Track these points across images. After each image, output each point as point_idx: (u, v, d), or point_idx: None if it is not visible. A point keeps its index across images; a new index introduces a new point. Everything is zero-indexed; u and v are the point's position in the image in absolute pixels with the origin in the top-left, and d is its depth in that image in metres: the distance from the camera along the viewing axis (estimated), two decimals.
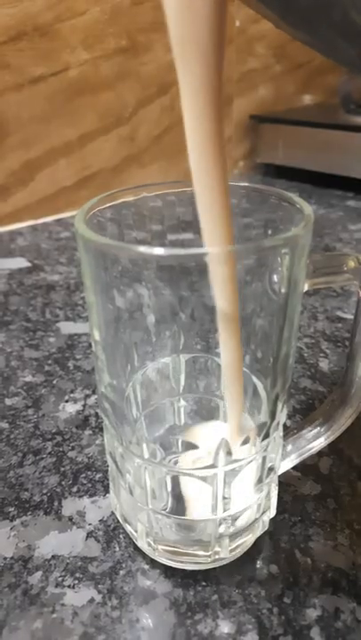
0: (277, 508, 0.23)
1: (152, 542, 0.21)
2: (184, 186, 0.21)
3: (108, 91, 0.65)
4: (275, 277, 0.18)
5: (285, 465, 0.23)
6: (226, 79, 0.78)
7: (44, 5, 0.57)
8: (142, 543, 0.21)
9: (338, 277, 0.19)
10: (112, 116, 0.67)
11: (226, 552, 0.21)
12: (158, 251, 0.15)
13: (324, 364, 0.35)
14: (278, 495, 0.24)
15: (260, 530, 0.22)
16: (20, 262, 0.53)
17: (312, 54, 0.92)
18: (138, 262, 0.17)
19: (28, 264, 0.52)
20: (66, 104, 0.62)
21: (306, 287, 0.19)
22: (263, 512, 0.22)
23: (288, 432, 0.23)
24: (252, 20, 0.77)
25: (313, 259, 0.19)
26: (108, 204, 0.20)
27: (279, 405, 0.20)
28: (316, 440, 0.23)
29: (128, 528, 0.22)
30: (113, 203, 0.20)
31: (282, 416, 0.20)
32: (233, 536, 0.21)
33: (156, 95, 0.70)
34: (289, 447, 0.23)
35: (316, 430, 0.23)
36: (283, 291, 0.18)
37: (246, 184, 0.21)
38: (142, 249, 0.15)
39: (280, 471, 0.23)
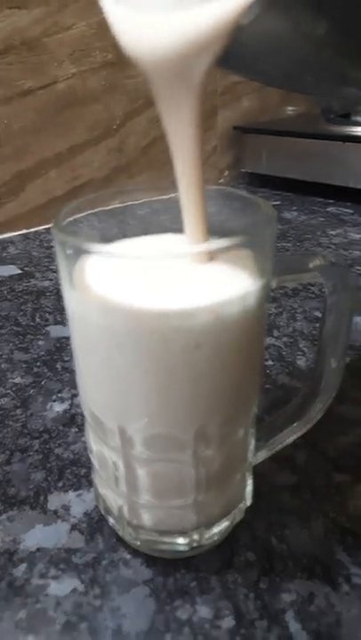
0: (254, 499, 0.24)
1: (133, 532, 0.21)
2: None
3: (95, 103, 0.66)
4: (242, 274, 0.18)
5: (260, 456, 0.23)
6: (210, 92, 0.78)
7: (31, 20, 0.57)
8: (124, 533, 0.22)
9: (305, 275, 0.20)
10: (100, 128, 0.67)
11: (203, 539, 0.21)
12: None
13: (301, 362, 0.35)
14: (255, 486, 0.24)
15: (236, 517, 0.22)
16: (12, 269, 0.53)
17: None
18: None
19: (19, 271, 0.53)
20: (55, 116, 0.63)
21: (274, 284, 0.19)
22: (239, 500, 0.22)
23: (262, 425, 0.23)
24: None
25: (281, 257, 0.19)
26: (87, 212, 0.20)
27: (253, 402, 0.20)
28: (289, 432, 0.23)
29: (110, 520, 0.23)
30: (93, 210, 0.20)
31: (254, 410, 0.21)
32: (209, 524, 0.21)
33: (143, 107, 0.71)
34: (263, 439, 0.23)
35: (288, 422, 0.23)
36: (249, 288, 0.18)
37: (217, 187, 0.21)
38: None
39: (255, 462, 0.23)
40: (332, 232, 0.60)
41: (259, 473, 0.25)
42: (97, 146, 0.68)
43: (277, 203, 0.71)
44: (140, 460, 0.19)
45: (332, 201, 0.72)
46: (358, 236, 0.59)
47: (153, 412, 0.18)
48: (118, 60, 0.66)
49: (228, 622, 0.19)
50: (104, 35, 0.63)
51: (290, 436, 0.23)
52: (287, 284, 0.20)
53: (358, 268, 0.51)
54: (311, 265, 0.19)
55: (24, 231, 0.64)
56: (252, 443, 0.22)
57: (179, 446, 0.19)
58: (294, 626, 0.19)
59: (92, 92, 0.65)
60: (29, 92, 0.59)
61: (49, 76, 0.60)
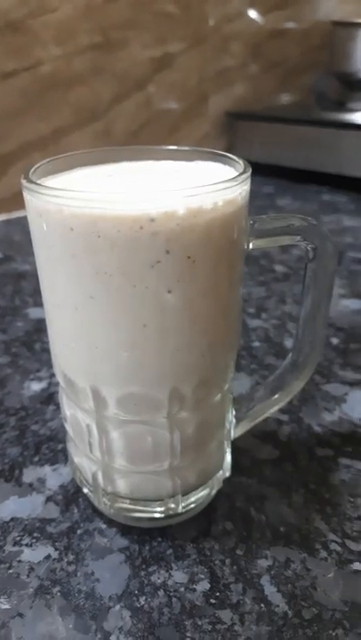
0: (234, 471, 0.24)
1: (108, 501, 0.22)
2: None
3: (82, 86, 0.67)
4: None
5: (241, 427, 0.24)
6: (201, 76, 0.80)
7: (15, 2, 0.58)
8: (99, 503, 0.22)
9: (284, 237, 0.21)
10: (87, 111, 0.68)
11: (180, 507, 0.22)
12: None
13: (288, 343, 0.36)
14: (236, 460, 0.25)
15: (214, 487, 0.23)
16: None
17: (287, 54, 0.94)
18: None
19: (0, 255, 0.53)
20: (39, 99, 0.63)
21: (251, 246, 0.20)
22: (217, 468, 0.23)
23: (243, 396, 0.24)
24: (226, 19, 0.79)
25: (258, 218, 0.20)
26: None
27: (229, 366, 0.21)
28: (270, 403, 0.24)
29: (86, 490, 0.23)
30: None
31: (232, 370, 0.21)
32: (185, 491, 0.22)
33: (132, 91, 0.72)
34: (243, 410, 0.24)
35: (270, 393, 0.24)
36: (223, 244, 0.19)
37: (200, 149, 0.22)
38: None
39: (234, 435, 0.24)
40: (327, 219, 0.61)
41: (241, 447, 0.26)
42: (83, 129, 0.69)
43: (270, 191, 0.72)
44: (113, 421, 0.20)
45: (326, 188, 0.73)
46: (352, 223, 0.60)
47: (124, 369, 0.18)
48: (106, 43, 0.67)
49: (202, 586, 0.20)
50: (91, 17, 0.64)
51: (271, 407, 0.24)
52: (264, 246, 0.21)
53: (351, 254, 0.52)
54: (291, 225, 0.20)
55: (6, 217, 0.64)
56: (231, 410, 0.23)
57: (153, 407, 0.19)
58: (269, 589, 0.20)
59: (78, 75, 0.66)
60: (13, 74, 0.60)
61: (33, 57, 0.61)
